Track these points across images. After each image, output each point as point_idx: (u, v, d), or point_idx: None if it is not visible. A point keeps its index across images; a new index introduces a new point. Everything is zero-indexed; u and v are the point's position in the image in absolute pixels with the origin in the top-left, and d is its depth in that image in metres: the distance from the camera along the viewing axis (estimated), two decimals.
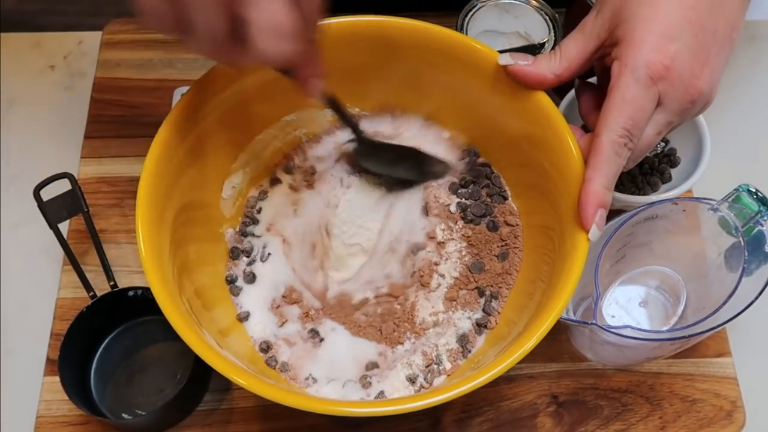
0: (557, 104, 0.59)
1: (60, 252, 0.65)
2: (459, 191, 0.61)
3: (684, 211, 0.58)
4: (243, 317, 0.58)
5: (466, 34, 0.67)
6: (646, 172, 0.66)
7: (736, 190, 0.55)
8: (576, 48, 0.52)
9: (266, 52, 0.39)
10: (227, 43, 0.39)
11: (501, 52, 0.56)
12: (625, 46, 0.49)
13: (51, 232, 0.64)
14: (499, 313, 0.58)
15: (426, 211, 0.60)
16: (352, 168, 0.61)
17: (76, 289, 0.64)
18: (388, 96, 0.63)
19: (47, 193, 0.63)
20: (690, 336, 0.53)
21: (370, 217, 0.59)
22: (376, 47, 0.59)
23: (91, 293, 0.62)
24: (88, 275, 0.63)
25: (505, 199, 0.62)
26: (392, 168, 0.60)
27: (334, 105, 0.55)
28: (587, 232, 0.49)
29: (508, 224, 0.60)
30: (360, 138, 0.58)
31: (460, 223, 0.60)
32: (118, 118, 0.73)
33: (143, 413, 0.58)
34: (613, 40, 0.50)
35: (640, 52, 0.48)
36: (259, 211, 0.62)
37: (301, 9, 0.40)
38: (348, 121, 0.57)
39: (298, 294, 0.59)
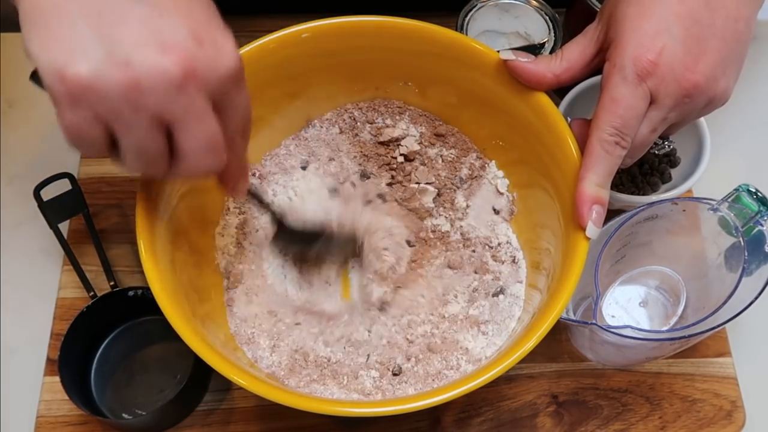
0: (557, 104, 0.59)
1: (60, 252, 0.65)
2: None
3: (684, 211, 0.58)
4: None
5: (466, 34, 0.67)
6: (646, 172, 0.66)
7: (736, 190, 0.55)
8: (577, 51, 0.52)
9: (197, 168, 0.41)
10: (159, 161, 0.40)
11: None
12: (614, 47, 0.49)
13: (51, 232, 0.64)
14: None
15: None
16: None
17: (76, 289, 0.64)
18: (387, 95, 0.63)
19: (47, 193, 0.63)
20: (690, 336, 0.53)
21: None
22: (376, 47, 0.59)
23: (91, 293, 0.62)
24: (88, 275, 0.63)
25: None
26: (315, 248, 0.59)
27: (256, 197, 0.56)
28: (584, 229, 0.49)
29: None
30: (281, 225, 0.57)
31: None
32: None
33: (143, 413, 0.58)
34: (608, 42, 0.50)
35: (626, 51, 0.48)
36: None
37: (227, 128, 0.41)
38: (269, 209, 0.57)
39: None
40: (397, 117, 0.63)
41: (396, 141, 0.63)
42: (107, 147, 0.39)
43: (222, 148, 0.41)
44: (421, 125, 0.63)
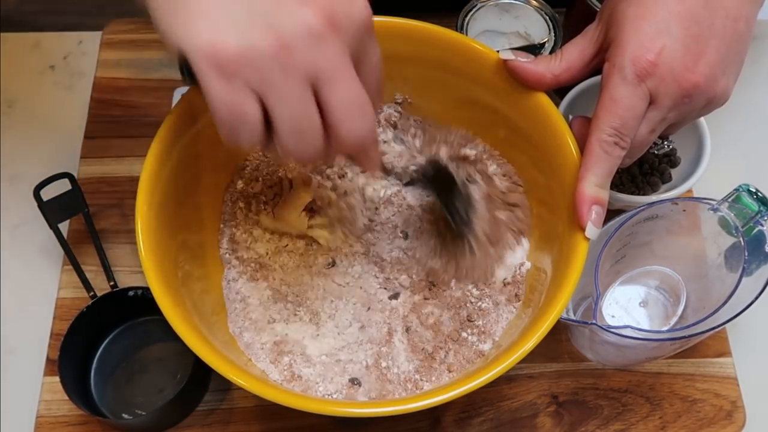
0: (557, 104, 0.59)
1: (60, 252, 0.65)
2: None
3: (684, 211, 0.58)
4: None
5: (466, 34, 0.67)
6: (646, 172, 0.66)
7: (736, 190, 0.55)
8: (576, 51, 0.52)
9: (349, 131, 0.40)
10: (314, 134, 0.40)
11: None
12: (614, 47, 0.49)
13: (51, 232, 0.64)
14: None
15: None
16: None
17: (76, 289, 0.64)
18: (388, 95, 0.63)
19: (47, 193, 0.63)
20: (690, 336, 0.53)
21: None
22: None
23: (91, 293, 0.62)
24: (88, 275, 0.63)
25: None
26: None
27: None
28: (584, 229, 0.49)
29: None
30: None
31: None
32: (118, 118, 0.73)
33: (143, 413, 0.58)
34: (608, 42, 0.50)
35: (626, 51, 0.48)
36: None
37: (365, 84, 0.41)
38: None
39: None
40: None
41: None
42: (262, 127, 0.39)
43: (369, 106, 0.40)
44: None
